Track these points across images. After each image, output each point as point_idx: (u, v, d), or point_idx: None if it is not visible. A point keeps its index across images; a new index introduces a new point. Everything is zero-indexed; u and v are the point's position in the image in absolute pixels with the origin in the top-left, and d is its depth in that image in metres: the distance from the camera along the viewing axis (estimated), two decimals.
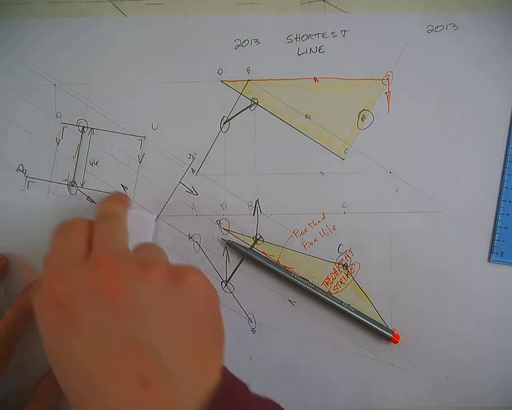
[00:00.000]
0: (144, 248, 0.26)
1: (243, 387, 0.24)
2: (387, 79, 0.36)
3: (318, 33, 0.36)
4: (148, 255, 0.25)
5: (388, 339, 0.35)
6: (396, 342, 0.35)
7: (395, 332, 0.36)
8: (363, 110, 0.36)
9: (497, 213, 0.36)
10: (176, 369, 0.21)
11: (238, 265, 0.36)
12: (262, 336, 0.36)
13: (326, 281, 0.36)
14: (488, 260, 0.36)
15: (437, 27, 0.36)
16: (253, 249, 0.36)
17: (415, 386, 0.36)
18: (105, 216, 0.27)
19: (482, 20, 0.35)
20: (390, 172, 0.36)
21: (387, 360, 0.36)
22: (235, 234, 0.36)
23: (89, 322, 0.21)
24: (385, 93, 0.36)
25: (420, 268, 0.36)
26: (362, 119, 0.36)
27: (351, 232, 0.36)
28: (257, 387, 0.36)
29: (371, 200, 0.36)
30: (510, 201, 0.36)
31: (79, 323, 0.21)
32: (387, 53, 0.36)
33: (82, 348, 0.21)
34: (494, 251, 0.36)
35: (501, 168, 0.36)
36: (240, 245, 0.35)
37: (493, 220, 0.36)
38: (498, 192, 0.36)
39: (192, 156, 0.36)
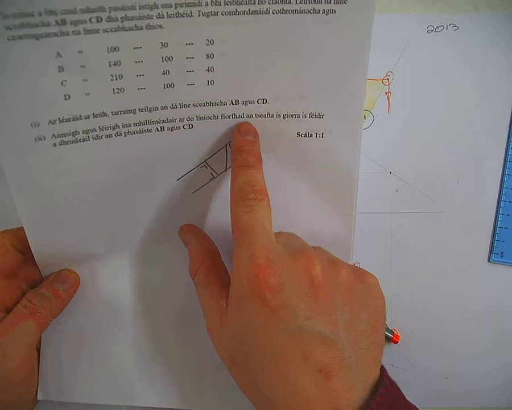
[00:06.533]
0: (299, 241, 0.27)
1: (398, 389, 0.25)
2: (387, 79, 0.36)
3: None
4: (325, 252, 0.27)
5: (388, 339, 0.35)
6: (396, 342, 0.35)
7: (395, 332, 0.36)
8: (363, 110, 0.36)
9: (497, 213, 0.36)
10: (353, 363, 0.22)
11: None
12: None
13: None
14: (488, 260, 0.36)
15: (437, 27, 0.36)
16: None
17: (414, 386, 0.36)
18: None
19: (482, 20, 0.35)
20: (390, 172, 0.36)
21: (387, 360, 0.36)
22: None
23: (291, 309, 0.22)
24: (386, 93, 0.36)
25: (420, 268, 0.36)
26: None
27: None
28: None
29: (371, 200, 0.36)
30: (510, 201, 0.36)
31: (282, 309, 0.22)
32: (387, 53, 0.36)
33: (281, 332, 0.22)
34: (494, 252, 0.36)
35: (501, 168, 0.36)
36: None
37: (493, 220, 0.36)
38: (498, 192, 0.36)
39: None
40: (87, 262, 0.30)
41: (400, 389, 0.24)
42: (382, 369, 0.24)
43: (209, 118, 0.27)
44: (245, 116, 0.27)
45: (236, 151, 0.26)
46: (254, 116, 0.27)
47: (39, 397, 0.30)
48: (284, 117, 0.27)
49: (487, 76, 0.36)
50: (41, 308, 0.28)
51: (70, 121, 0.25)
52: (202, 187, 0.29)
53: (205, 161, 0.28)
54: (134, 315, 0.31)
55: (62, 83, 0.24)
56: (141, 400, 0.31)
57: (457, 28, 0.36)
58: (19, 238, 0.29)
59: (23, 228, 0.28)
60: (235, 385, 0.31)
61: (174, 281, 0.31)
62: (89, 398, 0.31)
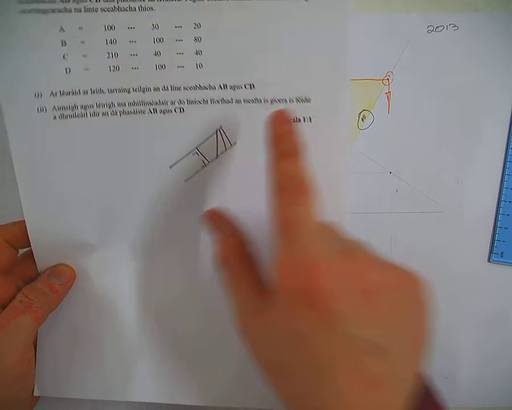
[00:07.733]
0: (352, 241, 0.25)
1: (443, 399, 0.24)
2: (387, 79, 0.36)
3: None
4: (373, 252, 0.24)
5: None
6: None
7: None
8: (363, 110, 0.36)
9: (497, 213, 0.36)
10: (403, 373, 0.22)
11: None
12: None
13: None
14: (488, 260, 0.36)
15: (437, 27, 0.36)
16: None
17: None
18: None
19: (482, 20, 0.35)
20: (390, 172, 0.36)
21: None
22: None
23: (341, 315, 0.21)
24: (386, 93, 0.36)
25: (420, 268, 0.36)
26: (362, 119, 0.36)
27: (351, 232, 0.36)
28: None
29: (371, 200, 0.36)
30: (510, 201, 0.36)
31: (333, 315, 0.21)
32: (387, 53, 0.36)
33: (331, 338, 0.21)
34: (494, 252, 0.36)
35: (501, 168, 0.36)
36: None
37: (493, 220, 0.36)
38: (498, 192, 0.36)
39: None
40: (82, 256, 0.30)
41: (443, 399, 0.24)
42: (426, 379, 0.24)
43: (199, 102, 0.27)
44: (234, 101, 0.28)
45: (276, 139, 0.24)
46: (242, 101, 0.28)
47: (35, 392, 0.30)
48: (271, 102, 0.28)
49: (487, 76, 0.36)
50: (37, 302, 0.28)
51: (69, 94, 0.26)
52: (194, 175, 0.29)
53: (196, 148, 0.29)
54: (130, 309, 0.31)
55: (64, 56, 0.26)
56: (137, 396, 0.31)
57: (457, 28, 0.36)
58: (12, 234, 0.28)
59: (16, 223, 0.28)
60: (230, 382, 0.30)
61: (171, 273, 0.31)
62: (85, 394, 0.31)
